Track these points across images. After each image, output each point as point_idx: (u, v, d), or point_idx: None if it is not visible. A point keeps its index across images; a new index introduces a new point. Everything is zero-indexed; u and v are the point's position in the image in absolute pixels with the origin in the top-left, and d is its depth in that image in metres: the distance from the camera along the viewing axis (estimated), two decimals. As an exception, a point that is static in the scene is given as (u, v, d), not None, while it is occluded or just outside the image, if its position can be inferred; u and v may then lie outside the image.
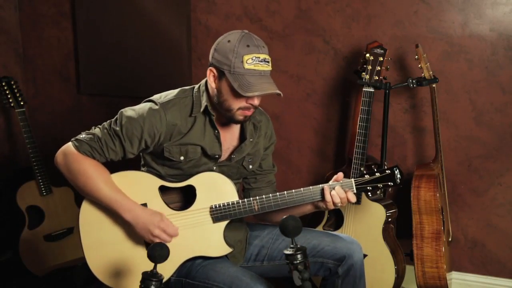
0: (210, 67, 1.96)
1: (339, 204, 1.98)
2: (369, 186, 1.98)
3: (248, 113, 1.98)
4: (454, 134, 2.93)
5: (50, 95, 3.56)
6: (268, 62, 1.93)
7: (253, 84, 1.88)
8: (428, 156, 2.97)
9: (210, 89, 2.00)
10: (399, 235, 2.89)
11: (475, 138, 2.91)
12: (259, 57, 1.90)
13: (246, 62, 1.89)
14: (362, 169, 1.93)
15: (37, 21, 3.49)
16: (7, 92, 3.15)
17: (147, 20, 3.25)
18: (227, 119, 2.03)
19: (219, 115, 2.04)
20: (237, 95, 1.91)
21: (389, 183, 1.96)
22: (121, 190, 1.99)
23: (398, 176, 1.95)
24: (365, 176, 1.98)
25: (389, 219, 2.76)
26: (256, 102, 1.95)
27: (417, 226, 2.69)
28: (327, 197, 1.97)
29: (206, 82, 2.05)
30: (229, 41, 1.91)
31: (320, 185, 1.99)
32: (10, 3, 3.46)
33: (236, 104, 1.94)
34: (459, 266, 3.04)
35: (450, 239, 2.88)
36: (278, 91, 1.91)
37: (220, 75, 1.94)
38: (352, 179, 1.99)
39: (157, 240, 1.94)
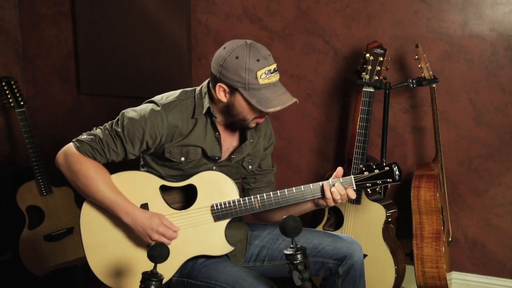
0: (220, 84, 1.94)
1: (339, 201, 2.00)
2: (368, 183, 1.99)
3: (261, 120, 2.01)
4: (454, 134, 2.94)
5: (50, 95, 3.56)
6: (277, 70, 1.94)
7: (271, 98, 1.90)
8: (428, 156, 2.97)
9: (217, 100, 1.99)
10: (399, 235, 2.89)
11: (475, 138, 2.91)
12: (270, 69, 1.91)
13: (260, 78, 1.89)
14: (361, 166, 1.95)
15: (37, 21, 3.49)
16: (7, 92, 3.15)
17: (147, 20, 3.25)
18: (239, 126, 2.05)
19: (223, 117, 2.05)
20: (254, 109, 1.92)
21: (388, 180, 1.97)
22: (121, 193, 1.98)
23: (397, 172, 1.96)
24: (364, 173, 1.99)
25: (389, 219, 2.76)
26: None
27: (417, 226, 2.69)
28: (327, 194, 1.99)
29: (208, 84, 2.05)
30: (237, 57, 1.89)
31: (320, 182, 2.01)
32: (10, 3, 3.46)
33: (252, 115, 1.96)
34: (459, 266, 3.05)
35: (450, 239, 2.88)
36: (295, 100, 1.93)
37: (232, 91, 1.93)
38: (352, 176, 2.01)
39: None
